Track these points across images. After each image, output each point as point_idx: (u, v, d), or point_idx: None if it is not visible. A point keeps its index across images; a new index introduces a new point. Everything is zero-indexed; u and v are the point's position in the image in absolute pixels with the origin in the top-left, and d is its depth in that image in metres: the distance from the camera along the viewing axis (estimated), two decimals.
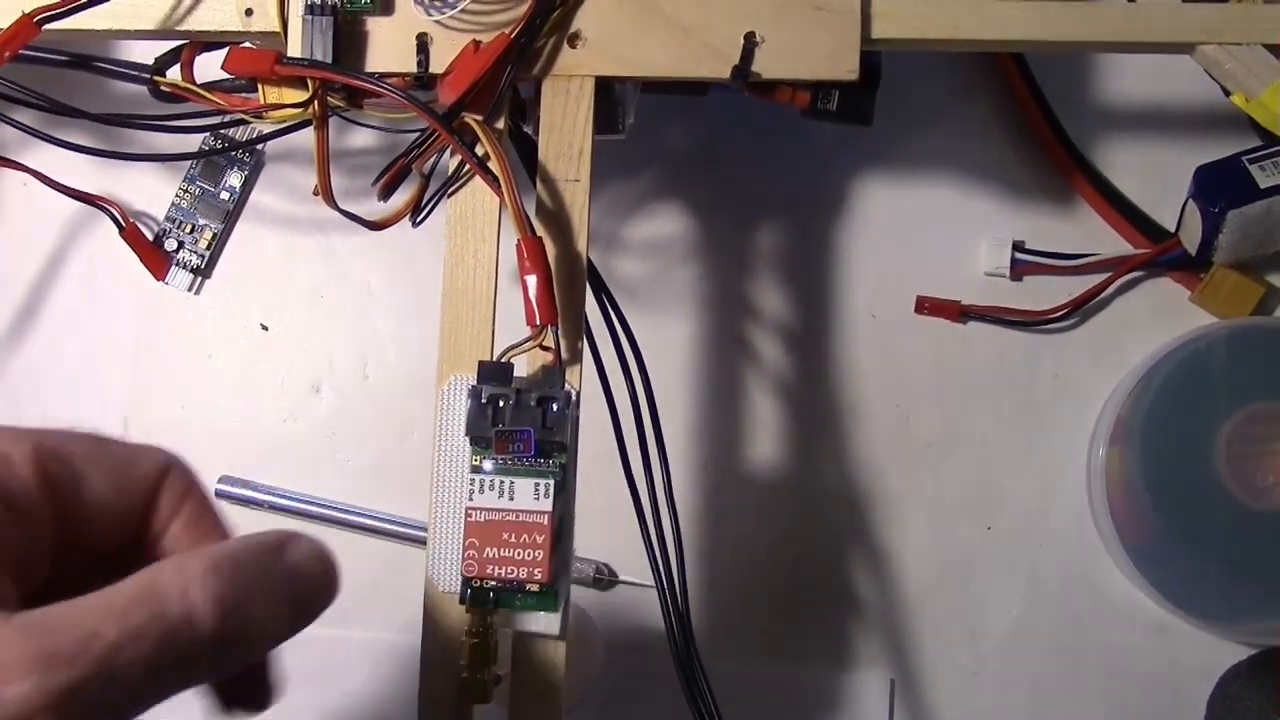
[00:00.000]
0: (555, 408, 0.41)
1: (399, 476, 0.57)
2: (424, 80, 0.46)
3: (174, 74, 0.49)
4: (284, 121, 0.46)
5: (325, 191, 0.47)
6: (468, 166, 0.44)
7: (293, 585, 0.31)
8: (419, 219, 0.46)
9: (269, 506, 0.57)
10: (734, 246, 0.57)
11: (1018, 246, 0.55)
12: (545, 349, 0.42)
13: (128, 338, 0.59)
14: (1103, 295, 0.55)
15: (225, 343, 0.59)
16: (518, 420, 0.41)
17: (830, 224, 0.57)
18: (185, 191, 0.59)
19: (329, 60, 0.45)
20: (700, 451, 0.56)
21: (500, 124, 0.45)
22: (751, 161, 0.57)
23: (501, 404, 0.42)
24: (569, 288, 0.44)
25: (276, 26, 0.46)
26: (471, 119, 0.44)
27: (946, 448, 0.56)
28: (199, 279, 0.59)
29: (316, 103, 0.45)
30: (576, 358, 0.43)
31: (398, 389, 0.58)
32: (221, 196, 0.59)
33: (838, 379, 0.56)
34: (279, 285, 0.59)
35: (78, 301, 0.59)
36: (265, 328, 0.59)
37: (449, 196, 0.45)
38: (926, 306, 0.56)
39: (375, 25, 0.46)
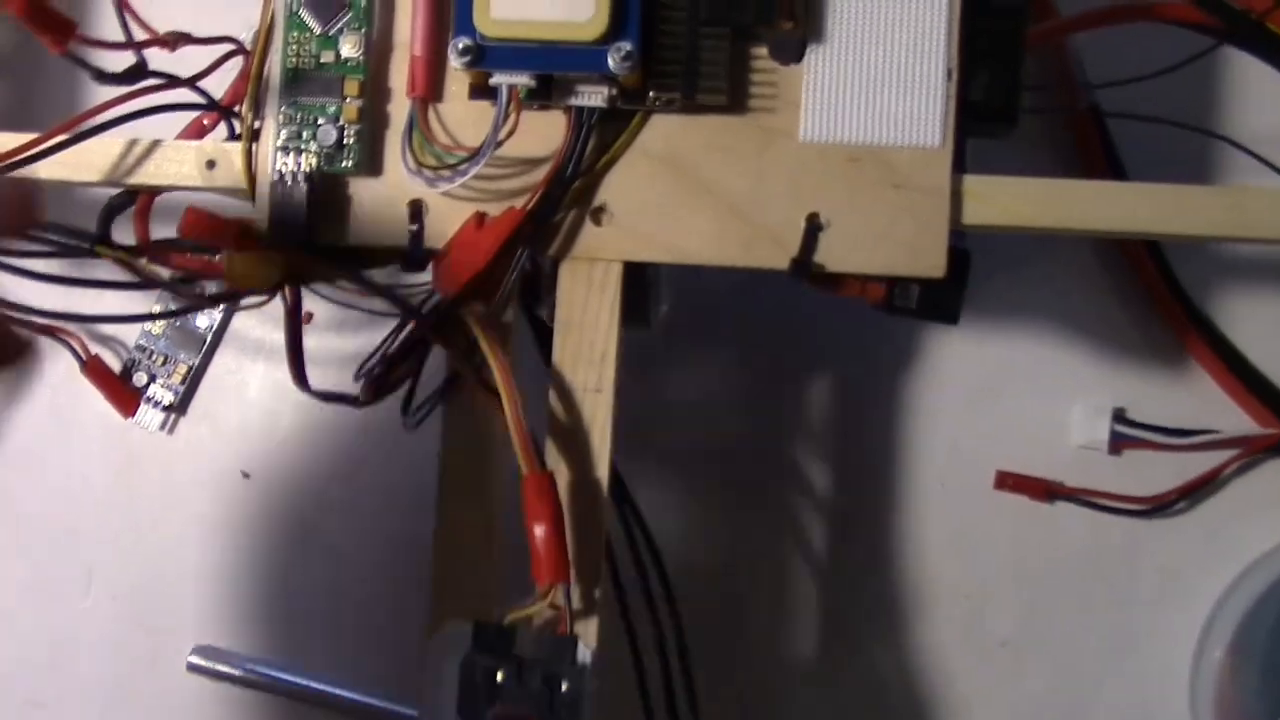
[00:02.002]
0: (565, 687, 0.34)
1: (392, 648, 0.50)
2: (418, 258, 0.38)
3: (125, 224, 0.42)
4: (252, 292, 0.39)
5: (298, 379, 0.39)
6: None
7: None
8: (415, 420, 0.39)
9: (245, 684, 0.50)
10: (784, 402, 0.49)
11: (1119, 416, 0.47)
12: (554, 608, 0.35)
13: (94, 481, 0.52)
14: (1220, 478, 0.47)
15: (201, 489, 0.52)
16: (519, 699, 0.34)
17: (899, 379, 0.49)
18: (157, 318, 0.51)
19: (302, 235, 0.37)
20: (737, 657, 0.48)
21: (507, 315, 0.37)
22: (807, 303, 0.49)
23: (500, 677, 0.34)
24: (585, 528, 0.36)
25: (243, 183, 0.38)
26: (470, 317, 0.36)
27: (1025, 648, 0.48)
28: (173, 416, 0.52)
29: (287, 288, 0.38)
30: (593, 609, 0.36)
31: (398, 548, 0.51)
32: (199, 324, 0.51)
33: (900, 561, 0.48)
34: (263, 427, 0.52)
35: (37, 439, 0.52)
36: (246, 475, 0.52)
37: (445, 402, 0.38)
38: (1009, 483, 0.48)
39: (360, 187, 0.38)
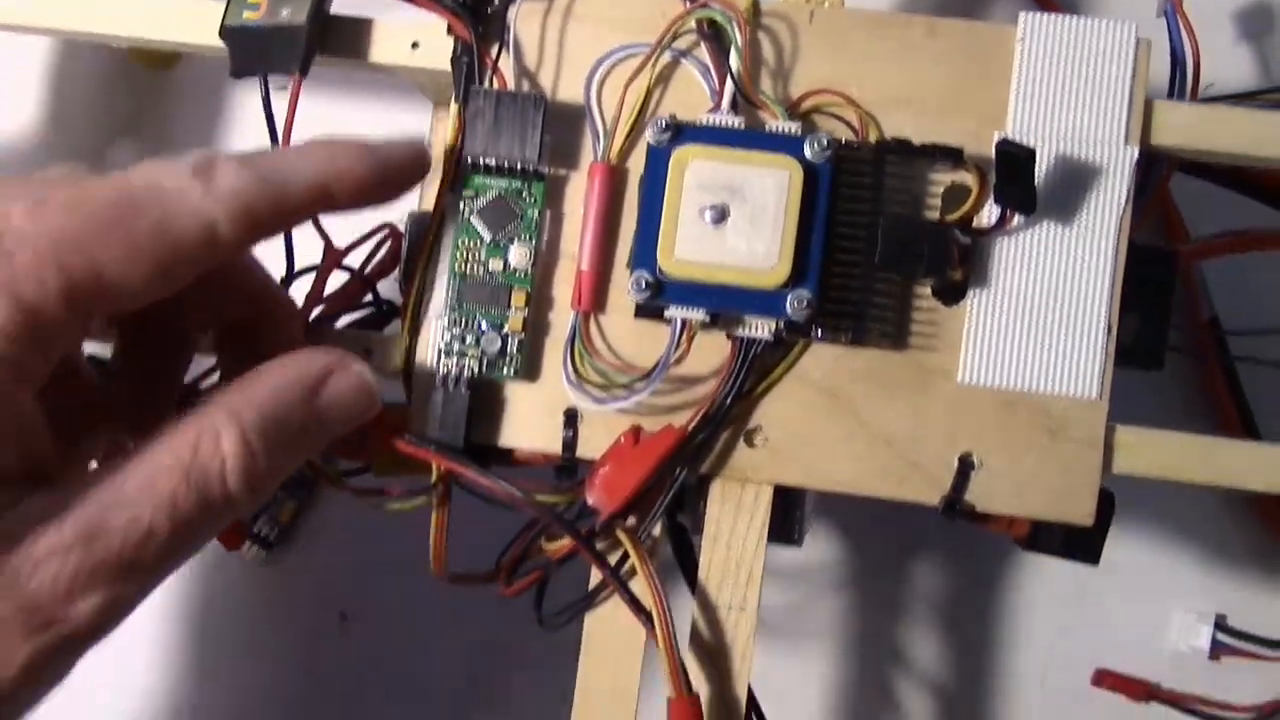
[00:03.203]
0: None
1: None
2: (570, 466, 0.38)
3: None
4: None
5: (439, 568, 0.40)
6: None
7: (324, 427, 0.33)
8: (554, 625, 0.39)
9: None
10: (888, 584, 0.50)
11: (1220, 624, 0.48)
12: None
13: (189, 611, 0.52)
14: None
15: (298, 630, 0.52)
16: None
17: (1002, 574, 0.49)
18: None
19: (460, 442, 0.38)
20: None
21: (656, 530, 0.38)
22: None
23: None
24: None
25: (399, 378, 0.39)
26: (623, 533, 0.37)
27: None
28: (275, 550, 0.52)
29: (440, 485, 0.38)
30: None
31: (495, 700, 0.51)
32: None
33: None
34: (364, 567, 0.52)
35: None
36: (344, 617, 0.52)
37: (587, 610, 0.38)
38: (1107, 682, 0.48)
39: (515, 391, 0.38)
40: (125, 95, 0.53)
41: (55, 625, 0.28)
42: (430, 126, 0.44)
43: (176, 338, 0.38)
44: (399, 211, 0.45)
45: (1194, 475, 0.37)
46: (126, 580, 0.29)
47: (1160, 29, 0.43)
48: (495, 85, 0.38)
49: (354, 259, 0.42)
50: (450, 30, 0.38)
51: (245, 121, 0.53)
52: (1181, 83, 0.43)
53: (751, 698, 0.38)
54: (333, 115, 0.51)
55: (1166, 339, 0.39)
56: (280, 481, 0.32)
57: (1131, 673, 0.48)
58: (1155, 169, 0.44)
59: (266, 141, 0.38)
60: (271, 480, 0.31)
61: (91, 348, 0.37)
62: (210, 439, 0.30)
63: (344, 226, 0.40)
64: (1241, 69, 0.50)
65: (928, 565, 0.50)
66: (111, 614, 0.29)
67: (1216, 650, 0.48)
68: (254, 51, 0.39)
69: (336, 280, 0.42)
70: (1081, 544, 0.38)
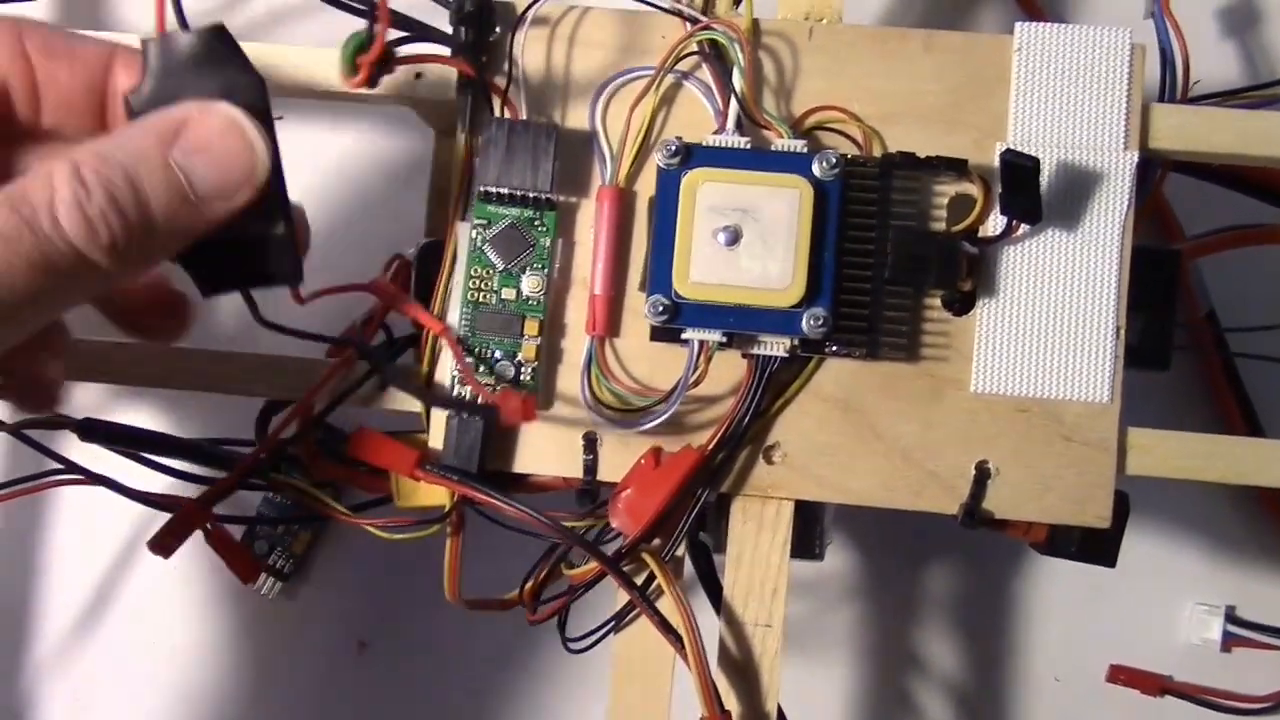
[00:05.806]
0: None
1: None
2: (592, 490, 0.39)
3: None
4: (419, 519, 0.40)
5: (454, 594, 0.40)
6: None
7: (193, 174, 0.30)
8: (580, 647, 0.39)
9: None
10: (901, 589, 0.50)
11: (1230, 615, 0.49)
12: None
13: (211, 645, 0.52)
14: None
15: (316, 657, 0.52)
16: None
17: (1014, 572, 0.50)
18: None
19: (474, 466, 0.38)
20: None
21: (680, 550, 0.38)
22: None
23: None
24: None
25: (418, 408, 0.39)
26: (648, 555, 0.37)
27: None
28: (291, 581, 0.52)
29: (455, 512, 0.38)
30: None
31: None
32: None
33: None
34: (381, 595, 0.52)
35: (153, 599, 0.52)
36: (364, 644, 0.52)
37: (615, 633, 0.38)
38: (1121, 677, 0.49)
39: None
40: None
41: None
42: (434, 153, 0.45)
43: None
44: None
45: (1207, 474, 0.38)
46: None
47: (1147, 29, 0.44)
48: (507, 114, 0.38)
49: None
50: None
51: None
52: (1172, 83, 0.44)
53: (781, 714, 0.38)
54: (332, 141, 0.52)
55: (1172, 339, 0.40)
56: (152, 244, 0.30)
57: (1145, 668, 0.49)
58: (1151, 169, 0.45)
59: None
60: (121, 226, 0.29)
61: None
62: (42, 179, 0.28)
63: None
64: (1227, 64, 0.51)
65: (940, 568, 0.50)
66: None
67: (1228, 642, 0.49)
68: None
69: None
70: (1098, 547, 0.39)
